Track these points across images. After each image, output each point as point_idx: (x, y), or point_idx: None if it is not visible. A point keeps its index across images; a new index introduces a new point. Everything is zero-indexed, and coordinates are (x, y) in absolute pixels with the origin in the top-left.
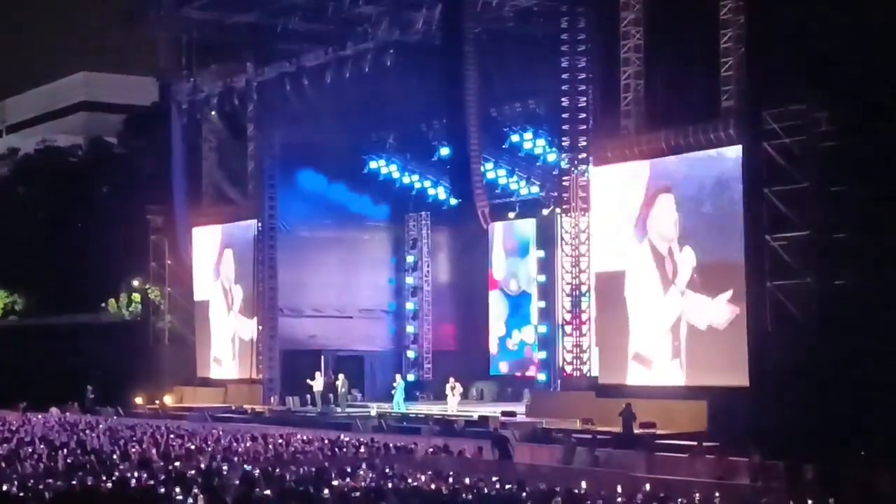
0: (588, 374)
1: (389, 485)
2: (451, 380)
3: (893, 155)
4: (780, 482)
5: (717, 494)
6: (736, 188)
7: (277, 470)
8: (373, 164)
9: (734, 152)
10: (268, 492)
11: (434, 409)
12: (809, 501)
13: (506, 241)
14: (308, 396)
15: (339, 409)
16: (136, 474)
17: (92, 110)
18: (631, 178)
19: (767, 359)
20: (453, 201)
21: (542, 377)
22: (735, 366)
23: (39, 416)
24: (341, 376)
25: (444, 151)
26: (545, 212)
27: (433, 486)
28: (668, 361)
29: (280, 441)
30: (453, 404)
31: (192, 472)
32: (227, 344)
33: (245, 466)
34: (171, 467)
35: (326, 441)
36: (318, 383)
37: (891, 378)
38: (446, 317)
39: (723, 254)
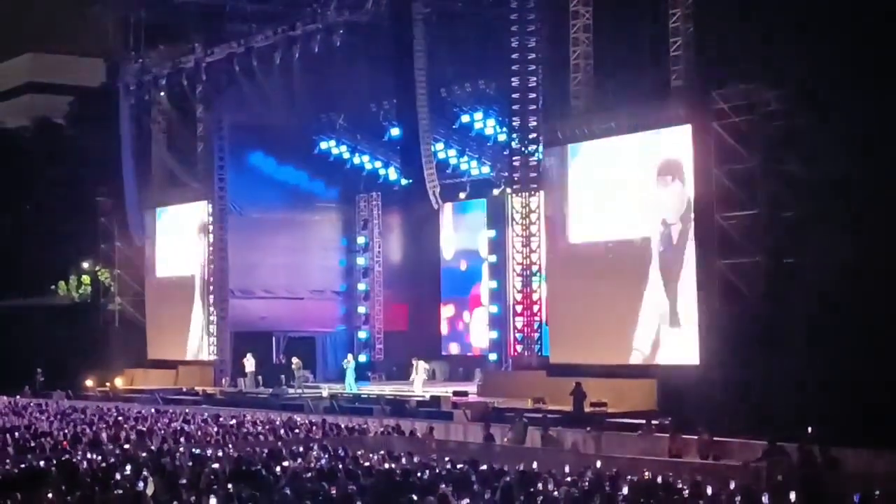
0: (539, 354)
1: (341, 465)
2: (416, 360)
3: (842, 134)
4: (730, 459)
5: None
6: (685, 167)
7: (229, 451)
8: (323, 145)
9: (684, 132)
10: (219, 473)
11: (386, 389)
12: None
13: (456, 221)
14: (241, 379)
15: (292, 391)
16: (86, 457)
17: (39, 91)
18: (581, 157)
19: (716, 337)
20: (404, 182)
21: (493, 357)
22: (685, 344)
23: None
24: (295, 359)
25: (395, 132)
26: (496, 192)
27: (385, 467)
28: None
29: (231, 422)
30: (418, 384)
31: (143, 454)
32: (178, 326)
33: (196, 448)
34: (121, 450)
35: (278, 422)
36: (249, 364)
37: (840, 356)
38: (397, 297)
39: (673, 232)
